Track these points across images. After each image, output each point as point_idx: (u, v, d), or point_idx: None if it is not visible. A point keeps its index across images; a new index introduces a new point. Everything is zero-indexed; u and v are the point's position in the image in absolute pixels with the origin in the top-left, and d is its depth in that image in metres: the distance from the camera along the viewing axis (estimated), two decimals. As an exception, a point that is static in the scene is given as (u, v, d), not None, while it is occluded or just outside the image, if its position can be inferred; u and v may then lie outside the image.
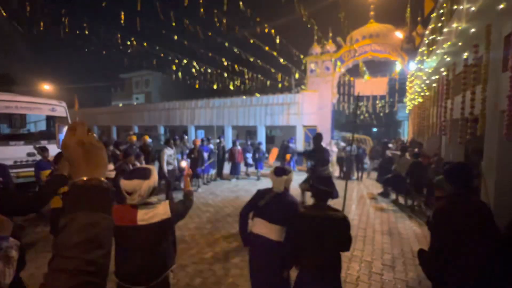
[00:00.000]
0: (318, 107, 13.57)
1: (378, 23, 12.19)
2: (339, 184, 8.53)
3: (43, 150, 4.88)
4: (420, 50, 7.14)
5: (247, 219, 2.34)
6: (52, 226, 3.80)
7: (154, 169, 1.73)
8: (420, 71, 6.61)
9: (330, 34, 13.27)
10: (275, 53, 12.56)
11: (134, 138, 6.94)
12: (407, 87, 10.87)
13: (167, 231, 1.70)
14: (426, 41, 5.91)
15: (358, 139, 16.47)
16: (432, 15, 5.40)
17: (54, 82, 26.92)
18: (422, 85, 6.31)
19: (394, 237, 4.43)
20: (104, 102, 36.94)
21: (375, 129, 37.45)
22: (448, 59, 4.08)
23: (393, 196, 6.90)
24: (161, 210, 1.64)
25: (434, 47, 4.91)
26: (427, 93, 6.08)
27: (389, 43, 11.41)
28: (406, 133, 24.12)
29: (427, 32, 5.98)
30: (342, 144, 10.82)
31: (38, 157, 6.63)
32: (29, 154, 6.39)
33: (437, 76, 4.67)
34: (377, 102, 17.84)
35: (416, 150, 7.57)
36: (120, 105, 26.03)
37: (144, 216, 1.58)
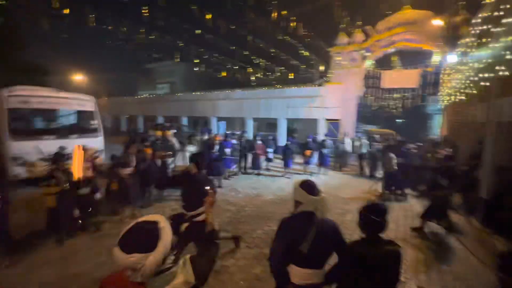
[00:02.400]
0: (342, 100, 13.00)
1: (414, 9, 11.18)
2: (357, 183, 8.26)
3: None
4: (464, 41, 6.41)
5: (286, 272, 1.72)
6: (48, 224, 3.92)
7: (165, 225, 1.10)
8: (463, 65, 5.95)
9: (358, 23, 12.47)
10: (298, 44, 12.08)
11: (160, 132, 7.04)
12: (442, 81, 9.97)
13: None
14: (474, 32, 5.25)
15: (383, 134, 15.67)
16: (485, 1, 4.74)
17: (84, 72, 28.21)
18: (466, 81, 5.67)
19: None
20: (131, 91, 38.27)
21: (399, 121, 35.46)
22: (510, 56, 3.50)
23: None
24: (181, 280, 1.13)
25: (486, 39, 4.32)
26: (473, 91, 5.44)
27: (425, 32, 10.47)
28: (436, 128, 22.61)
29: (477, 20, 5.29)
30: (364, 140, 10.25)
31: (69, 152, 6.99)
32: (61, 148, 6.72)
33: (491, 74, 4.08)
34: (406, 94, 16.75)
35: (450, 150, 7.01)
36: (146, 95, 26.75)
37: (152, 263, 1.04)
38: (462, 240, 4.45)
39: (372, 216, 1.70)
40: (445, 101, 9.24)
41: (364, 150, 10.01)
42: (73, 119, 8.57)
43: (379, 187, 7.39)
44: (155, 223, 1.08)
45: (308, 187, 1.76)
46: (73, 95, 7.59)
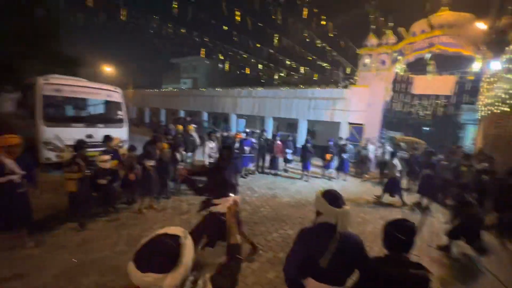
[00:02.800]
0: (368, 104, 12.48)
1: (453, 11, 10.44)
2: (379, 192, 7.87)
3: (108, 140, 5.08)
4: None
5: (302, 286, 1.64)
6: (69, 209, 4.08)
7: (187, 241, 0.98)
8: (510, 73, 5.42)
9: (391, 24, 11.86)
10: (325, 44, 11.73)
11: (181, 127, 7.13)
12: (482, 89, 9.22)
13: None
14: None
15: (410, 142, 14.91)
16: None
17: (112, 64, 29.48)
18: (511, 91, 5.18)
19: None
20: (156, 84, 39.50)
21: (426, 129, 33.61)
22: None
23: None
24: None
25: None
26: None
27: (465, 36, 9.72)
28: (468, 139, 21.14)
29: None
30: (388, 147, 9.76)
31: (95, 140, 7.26)
32: (88, 136, 7.00)
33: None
34: (438, 102, 15.79)
35: (486, 165, 6.47)
36: (169, 89, 27.45)
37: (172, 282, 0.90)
38: (492, 265, 4.06)
39: (398, 234, 1.54)
40: (483, 111, 8.54)
41: (387, 157, 9.53)
42: (100, 109, 8.92)
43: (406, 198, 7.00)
44: (176, 238, 0.95)
45: (330, 197, 1.65)
46: (101, 86, 7.87)
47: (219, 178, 3.04)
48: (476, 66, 8.59)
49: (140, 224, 4.48)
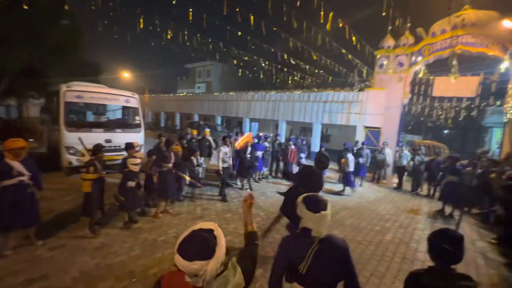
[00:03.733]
0: (385, 107, 12.12)
1: (475, 10, 9.99)
2: (397, 198, 7.58)
3: (130, 147, 4.91)
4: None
5: None
6: (84, 209, 4.13)
7: (220, 233, 1.17)
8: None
9: (409, 25, 11.51)
10: (340, 47, 11.53)
11: (195, 131, 7.20)
12: (510, 90, 8.71)
13: None
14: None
15: (430, 146, 14.34)
16: None
17: (131, 71, 30.48)
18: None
19: None
20: (171, 89, 40.48)
21: (446, 131, 32.21)
22: None
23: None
24: (234, 283, 1.19)
25: None
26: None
27: (489, 35, 9.25)
28: (494, 142, 20.03)
29: None
30: (406, 152, 9.39)
31: (114, 144, 7.47)
32: (107, 141, 7.22)
33: None
34: (460, 104, 15.09)
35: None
36: (184, 93, 28.01)
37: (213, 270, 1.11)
38: None
39: (445, 245, 1.46)
40: (511, 114, 8.06)
41: (405, 162, 9.19)
42: (118, 114, 9.20)
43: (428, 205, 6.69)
44: (211, 231, 1.15)
45: (309, 201, 1.61)
46: (119, 92, 8.13)
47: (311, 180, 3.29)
48: (503, 66, 8.11)
49: (156, 228, 4.53)
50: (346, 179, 8.00)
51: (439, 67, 12.44)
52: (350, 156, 8.06)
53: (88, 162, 4.14)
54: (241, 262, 1.28)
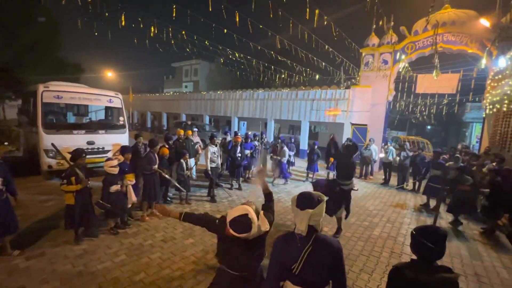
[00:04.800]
0: (371, 104, 12.35)
1: (455, 9, 10.32)
2: (384, 193, 7.74)
3: (125, 151, 4.70)
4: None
5: None
6: (66, 221, 3.80)
7: (252, 207, 1.88)
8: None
9: (392, 23, 11.74)
10: (326, 45, 11.62)
11: (182, 131, 7.02)
12: (488, 87, 9.05)
13: (265, 239, 1.93)
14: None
15: (415, 141, 14.74)
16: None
17: (114, 70, 29.61)
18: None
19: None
20: (157, 89, 39.67)
21: (429, 127, 33.38)
22: None
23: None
24: (262, 223, 1.81)
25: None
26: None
27: (468, 33, 9.58)
28: (474, 137, 20.88)
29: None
30: (391, 148, 9.58)
31: (97, 146, 7.19)
32: (89, 143, 6.94)
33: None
34: (444, 101, 15.61)
35: (494, 164, 6.30)
36: (171, 93, 27.49)
37: (253, 233, 1.74)
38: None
39: (427, 242, 1.48)
40: (490, 109, 8.37)
41: (390, 157, 9.39)
42: (101, 115, 8.87)
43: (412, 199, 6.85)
44: (246, 215, 1.75)
45: (300, 198, 1.59)
46: (102, 91, 7.82)
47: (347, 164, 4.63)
48: (482, 63, 8.41)
49: (142, 232, 4.39)
50: (281, 169, 8.37)
51: (421, 64, 12.82)
52: (285, 149, 8.41)
53: (68, 172, 3.70)
54: (266, 214, 1.93)
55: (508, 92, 5.74)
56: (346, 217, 4.85)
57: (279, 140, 9.12)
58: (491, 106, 8.18)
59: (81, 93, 7.26)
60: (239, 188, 7.39)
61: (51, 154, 6.52)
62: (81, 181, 3.75)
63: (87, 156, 4.17)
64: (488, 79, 9.15)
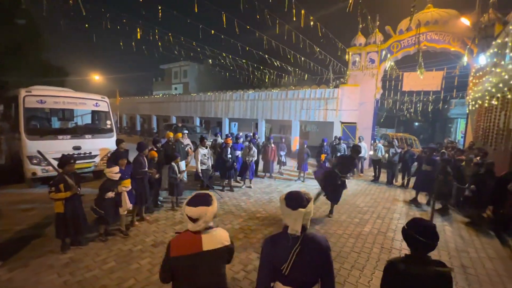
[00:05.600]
0: (359, 102, 12.54)
1: (437, 8, 10.61)
2: (374, 190, 7.87)
3: (120, 157, 4.57)
4: (499, 41, 5.89)
5: None
6: (57, 230, 3.67)
7: (214, 195, 1.75)
8: (497, 67, 5.46)
9: (378, 23, 11.96)
10: (314, 45, 11.73)
11: (171, 134, 6.93)
12: (470, 84, 9.33)
13: (227, 257, 1.75)
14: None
15: (403, 138, 15.04)
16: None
17: (101, 73, 29.00)
18: (500, 84, 5.21)
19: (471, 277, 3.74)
20: (146, 91, 39.10)
21: (417, 124, 34.24)
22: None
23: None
24: (222, 235, 1.70)
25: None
26: (508, 95, 5.00)
27: (450, 32, 9.87)
28: (459, 132, 21.51)
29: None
30: (380, 145, 9.75)
31: (83, 151, 7.02)
32: (75, 148, 6.77)
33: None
34: (430, 98, 16.01)
35: (477, 158, 6.51)
36: (160, 95, 27.15)
37: (209, 242, 1.61)
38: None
39: (417, 235, 1.51)
40: (472, 105, 8.63)
41: (379, 155, 9.55)
42: (87, 119, 8.66)
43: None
44: (208, 194, 1.68)
45: (290, 198, 1.56)
46: (88, 95, 7.65)
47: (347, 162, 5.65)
48: (464, 61, 8.67)
49: (131, 237, 4.30)
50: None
51: (408, 63, 13.11)
52: (254, 149, 8.04)
53: (56, 179, 3.59)
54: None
55: (489, 88, 5.93)
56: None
57: (249, 139, 8.96)
58: (473, 102, 8.44)
59: (65, 97, 7.07)
60: (231, 190, 7.35)
61: (35, 161, 6.32)
62: (71, 188, 3.65)
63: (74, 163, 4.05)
64: (470, 76, 9.45)
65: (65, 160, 3.73)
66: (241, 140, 8.40)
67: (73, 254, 3.70)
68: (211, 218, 1.62)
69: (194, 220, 1.58)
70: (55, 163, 3.76)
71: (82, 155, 6.96)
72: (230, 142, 7.19)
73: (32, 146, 6.20)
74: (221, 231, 1.73)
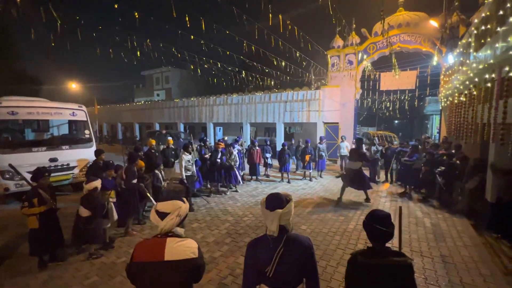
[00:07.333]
0: (340, 103, 12.90)
1: (408, 11, 11.18)
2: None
3: (107, 167, 4.46)
4: (464, 41, 6.30)
5: None
6: (31, 247, 3.50)
7: (185, 204, 1.63)
8: (463, 66, 5.83)
9: (354, 26, 12.41)
10: (294, 48, 11.96)
11: (153, 142, 6.82)
12: (441, 82, 9.88)
13: (192, 274, 1.51)
14: (475, 32, 5.13)
15: (383, 136, 15.57)
16: (486, 0, 4.63)
17: (79, 81, 28.00)
18: (466, 82, 5.56)
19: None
20: (128, 99, 38.16)
21: (396, 122, 35.68)
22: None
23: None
24: (189, 246, 1.50)
25: (489, 39, 4.19)
26: (474, 92, 5.35)
27: (421, 33, 10.44)
28: (434, 128, 22.57)
29: (476, 20, 5.19)
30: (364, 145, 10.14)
31: (61, 163, 6.75)
32: (52, 160, 6.49)
33: (492, 75, 3.98)
34: (406, 96, 16.73)
35: (453, 151, 6.91)
36: (142, 102, 26.59)
37: (172, 250, 1.45)
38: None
39: (375, 224, 1.56)
40: (444, 102, 9.12)
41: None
42: (64, 129, 8.35)
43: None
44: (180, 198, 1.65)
45: (268, 199, 1.58)
46: (63, 104, 7.37)
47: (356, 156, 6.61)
48: (434, 60, 9.18)
49: (115, 249, 4.17)
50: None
51: (385, 63, 13.64)
52: (235, 153, 8.10)
53: (29, 194, 3.41)
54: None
55: (457, 86, 6.31)
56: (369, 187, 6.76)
57: (255, 143, 9.16)
58: (445, 99, 8.92)
59: (39, 107, 6.78)
60: (218, 193, 7.33)
61: (7, 175, 6.00)
62: (46, 203, 3.48)
63: (51, 174, 3.90)
64: (441, 74, 9.99)
65: (38, 173, 3.56)
66: (240, 142, 8.62)
67: (52, 271, 3.54)
68: (183, 214, 1.56)
69: (163, 215, 1.49)
70: (28, 176, 3.58)
71: (59, 167, 6.69)
72: (221, 146, 7.33)
73: (3, 159, 5.88)
74: (190, 242, 1.54)
